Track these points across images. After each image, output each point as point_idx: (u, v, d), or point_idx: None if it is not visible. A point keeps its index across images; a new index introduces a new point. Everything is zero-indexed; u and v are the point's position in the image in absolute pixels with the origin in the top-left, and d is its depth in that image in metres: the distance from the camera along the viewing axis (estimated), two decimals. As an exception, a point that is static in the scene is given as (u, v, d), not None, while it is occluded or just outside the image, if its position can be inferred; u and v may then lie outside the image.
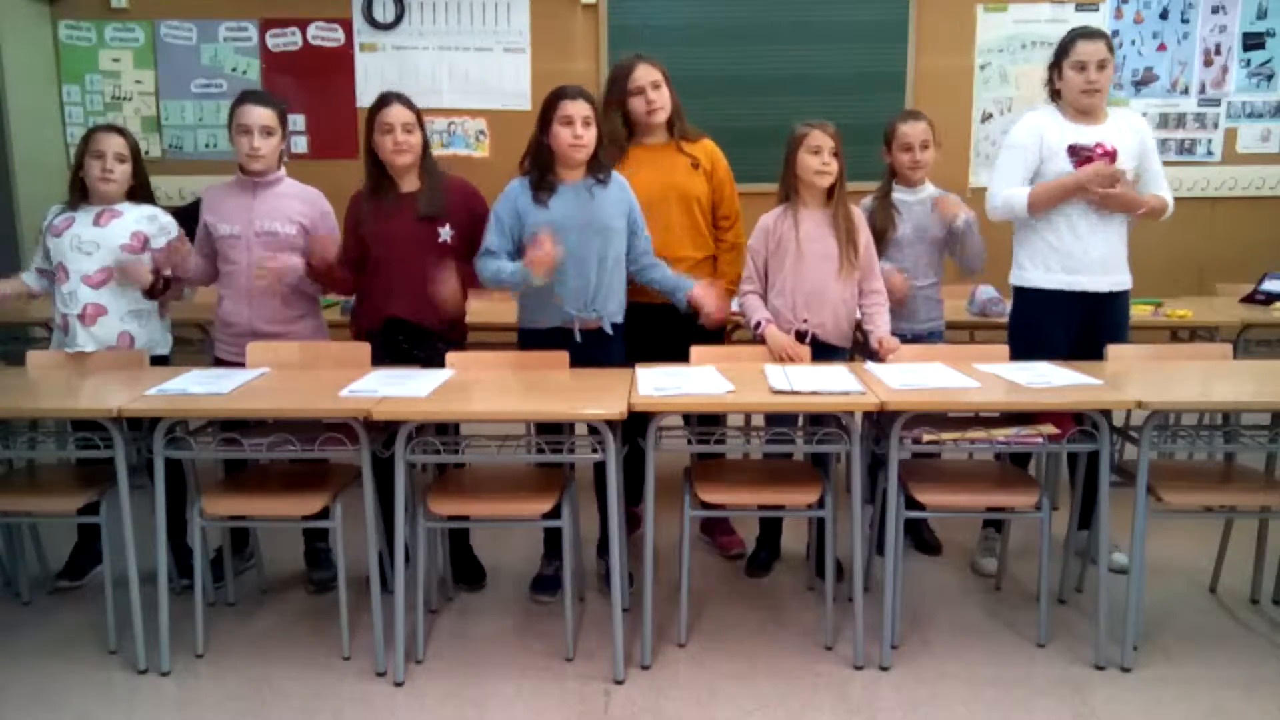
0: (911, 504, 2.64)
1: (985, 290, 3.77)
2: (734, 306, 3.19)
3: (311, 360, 3.00)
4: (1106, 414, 2.56)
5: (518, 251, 2.89)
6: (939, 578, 3.17)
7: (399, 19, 5.12)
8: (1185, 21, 5.02)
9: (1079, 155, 3.01)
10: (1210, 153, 5.11)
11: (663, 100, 3.13)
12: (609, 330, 2.97)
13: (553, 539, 3.06)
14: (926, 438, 2.57)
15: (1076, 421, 2.56)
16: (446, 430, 2.76)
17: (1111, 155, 3.00)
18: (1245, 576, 2.97)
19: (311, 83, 5.16)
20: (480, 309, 3.42)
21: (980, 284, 3.77)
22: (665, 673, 2.60)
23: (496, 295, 3.54)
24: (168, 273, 3.04)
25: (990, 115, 5.12)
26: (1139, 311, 3.62)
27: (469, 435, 2.75)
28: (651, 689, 2.52)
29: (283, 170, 3.11)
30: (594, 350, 2.92)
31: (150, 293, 3.04)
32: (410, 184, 2.99)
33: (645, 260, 3.01)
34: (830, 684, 2.53)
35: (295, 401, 2.59)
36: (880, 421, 2.64)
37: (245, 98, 3.01)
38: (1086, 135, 3.02)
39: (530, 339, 3.02)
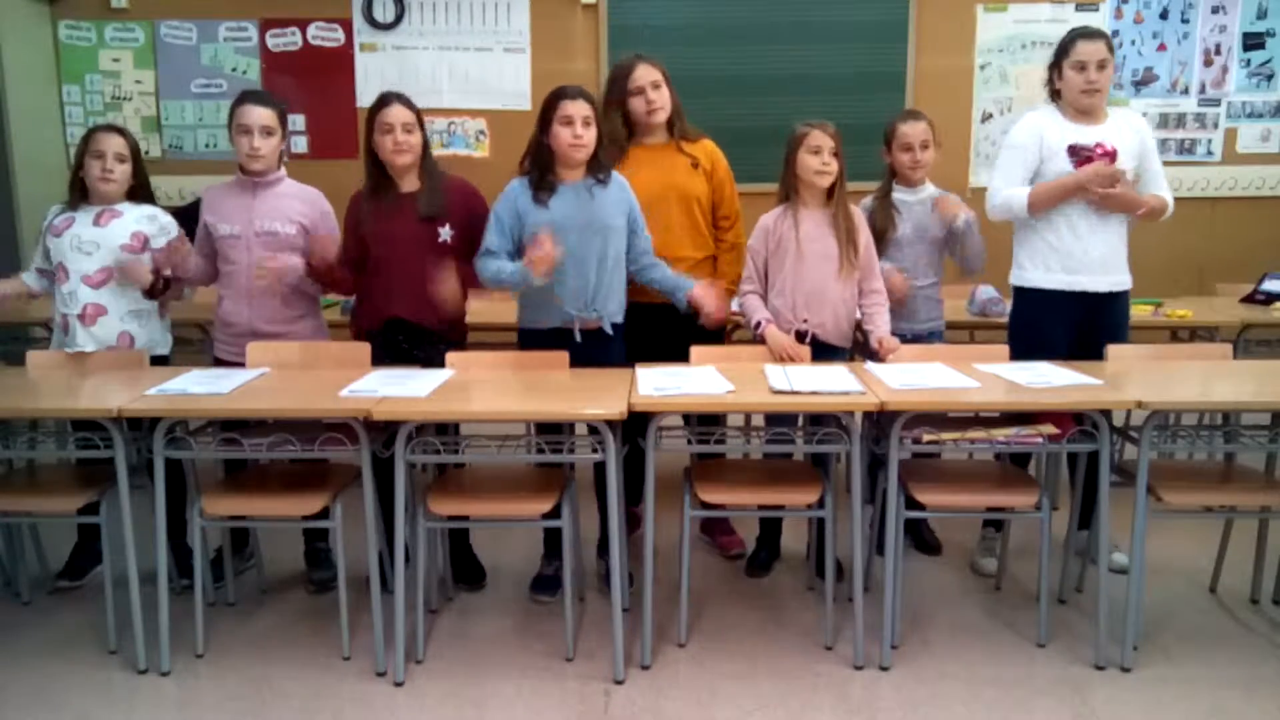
0: (911, 504, 2.64)
1: (985, 290, 3.77)
2: (734, 306, 3.19)
3: (311, 360, 3.00)
4: (1106, 414, 2.56)
5: (517, 251, 2.89)
6: (939, 578, 3.17)
7: (399, 19, 5.12)
8: (1185, 21, 5.02)
9: (1079, 155, 3.01)
10: (1210, 153, 5.11)
11: (663, 100, 3.13)
12: (609, 330, 2.97)
13: (553, 539, 3.06)
14: (926, 438, 2.57)
15: (1076, 421, 2.56)
16: (446, 430, 2.75)
17: (1111, 155, 3.00)
18: (1245, 576, 2.97)
19: (311, 83, 5.16)
20: (480, 309, 3.43)
21: (980, 284, 3.77)
22: (665, 673, 2.60)
23: (496, 295, 3.54)
24: (168, 273, 3.04)
25: (990, 115, 5.12)
26: (1139, 311, 3.62)
27: (469, 435, 2.75)
28: (651, 689, 2.52)
29: (283, 170, 3.11)
30: (594, 350, 2.92)
31: (150, 292, 3.04)
32: (410, 184, 2.99)
33: (645, 260, 3.01)
34: (830, 684, 2.53)
35: (295, 401, 2.59)
36: (880, 421, 2.64)
37: (245, 98, 3.02)
38: (1087, 135, 3.02)
39: (530, 339, 3.02)
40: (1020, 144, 3.09)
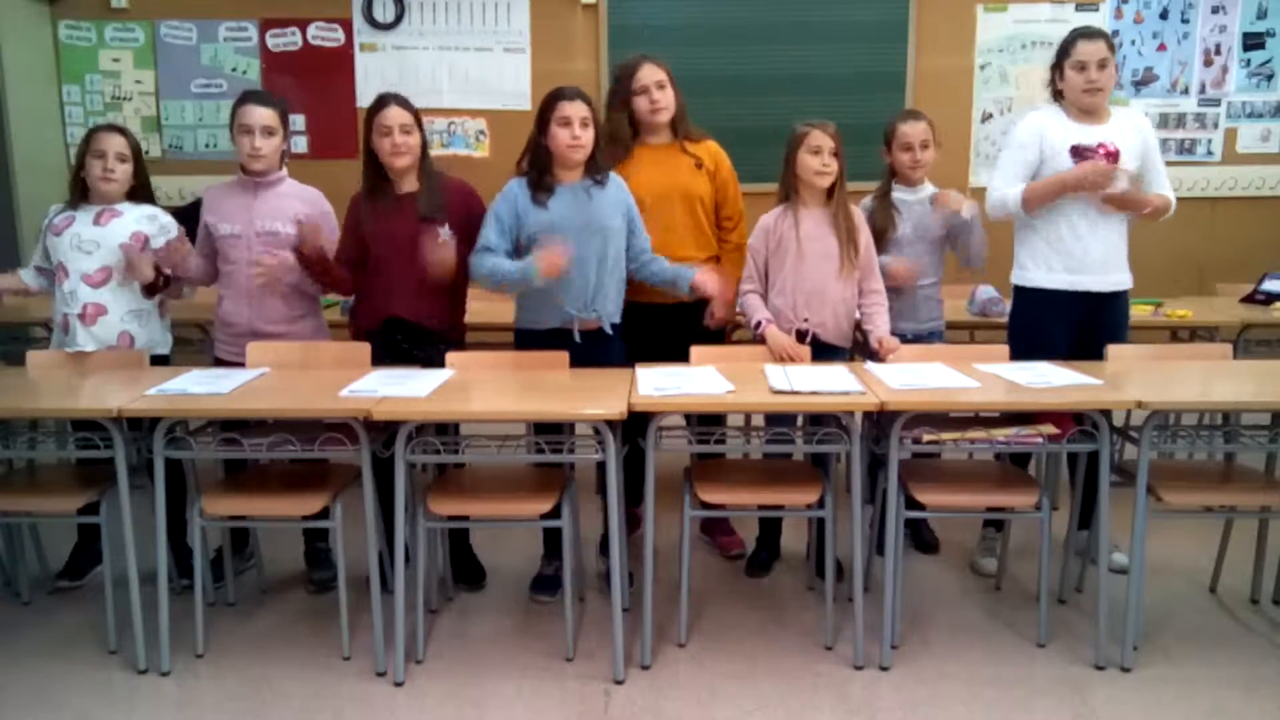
0: (911, 504, 2.64)
1: (985, 290, 3.77)
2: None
3: (311, 360, 3.00)
4: (1106, 414, 2.56)
5: (515, 252, 2.89)
6: (939, 578, 3.17)
7: (399, 19, 5.12)
8: (1185, 21, 5.02)
9: (1082, 156, 3.01)
10: (1210, 153, 5.11)
11: (667, 100, 3.12)
12: (608, 330, 2.97)
13: (553, 539, 3.06)
14: (926, 438, 2.57)
15: (1076, 421, 2.56)
16: (446, 430, 2.75)
17: (1114, 155, 3.00)
18: (1245, 576, 2.97)
19: (311, 83, 5.16)
20: (480, 309, 3.42)
21: (980, 284, 3.77)
22: (665, 673, 2.60)
23: (496, 295, 3.54)
24: (168, 271, 3.04)
25: (990, 115, 5.11)
26: (1139, 311, 3.62)
27: (469, 435, 2.75)
28: (651, 689, 2.52)
29: (284, 170, 3.11)
30: (593, 350, 2.92)
31: (150, 290, 3.04)
32: (409, 185, 2.99)
33: (644, 257, 3.01)
34: (830, 684, 2.53)
35: (295, 401, 2.59)
36: (880, 421, 2.64)
37: (246, 97, 3.02)
38: (1089, 135, 3.02)
39: (529, 339, 3.01)
40: (1021, 143, 3.09)
